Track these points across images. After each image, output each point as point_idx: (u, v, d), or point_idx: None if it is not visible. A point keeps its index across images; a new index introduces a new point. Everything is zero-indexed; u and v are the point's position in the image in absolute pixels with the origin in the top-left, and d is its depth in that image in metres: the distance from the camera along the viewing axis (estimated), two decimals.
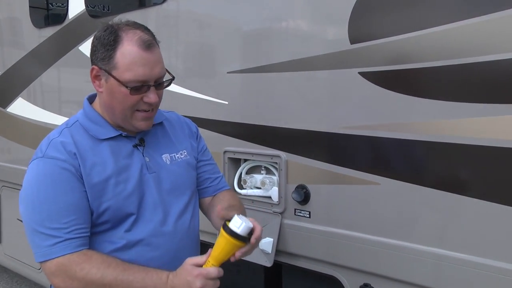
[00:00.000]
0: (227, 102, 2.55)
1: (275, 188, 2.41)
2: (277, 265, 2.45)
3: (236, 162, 2.60)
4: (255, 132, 2.46)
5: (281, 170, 2.36)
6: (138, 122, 1.71)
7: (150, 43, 1.63)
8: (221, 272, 1.58)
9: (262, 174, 2.51)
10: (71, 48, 3.37)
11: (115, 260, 1.62)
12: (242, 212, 1.82)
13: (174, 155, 1.84)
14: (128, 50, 1.60)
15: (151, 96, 1.66)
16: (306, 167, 2.28)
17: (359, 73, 2.06)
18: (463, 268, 1.84)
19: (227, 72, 2.52)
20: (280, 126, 2.36)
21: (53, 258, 1.59)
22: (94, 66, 1.66)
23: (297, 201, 2.30)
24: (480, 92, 1.78)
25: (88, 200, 1.64)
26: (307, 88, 2.26)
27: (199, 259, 1.61)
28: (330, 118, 2.19)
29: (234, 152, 2.55)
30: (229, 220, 1.59)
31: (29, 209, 1.63)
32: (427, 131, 1.90)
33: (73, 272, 1.59)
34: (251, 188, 2.55)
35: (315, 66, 2.21)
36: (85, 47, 3.23)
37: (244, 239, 1.56)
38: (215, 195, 1.98)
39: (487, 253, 1.79)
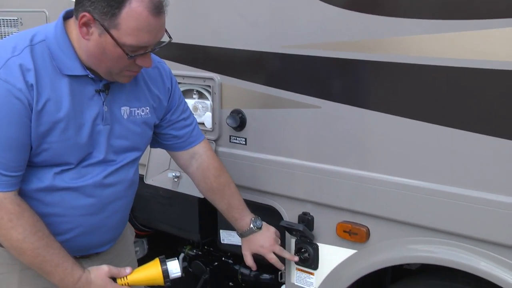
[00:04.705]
0: None
1: (209, 114, 2.39)
2: None
3: None
4: (186, 53, 2.41)
5: (215, 94, 2.34)
6: (122, 78, 1.66)
7: (161, 7, 1.54)
8: None
9: (194, 98, 2.47)
10: None
11: (43, 229, 1.62)
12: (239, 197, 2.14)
13: (134, 110, 1.79)
14: (136, 13, 1.50)
15: (146, 61, 1.62)
16: (242, 90, 2.26)
17: None
18: (401, 193, 1.90)
19: None
20: (214, 46, 2.31)
21: None
22: (86, 14, 1.52)
23: (232, 127, 2.30)
24: (430, 6, 1.76)
25: (31, 137, 1.58)
26: (243, 2, 2.20)
27: (117, 271, 1.72)
28: (268, 36, 2.16)
29: None
30: (167, 258, 1.78)
31: None
32: (373, 50, 1.89)
33: (0, 217, 1.57)
34: None
35: None
36: None
37: (169, 282, 1.77)
38: (190, 152, 2.05)
39: (427, 177, 1.85)
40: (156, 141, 2.03)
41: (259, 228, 2.12)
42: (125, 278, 1.73)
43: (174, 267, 1.76)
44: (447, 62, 1.74)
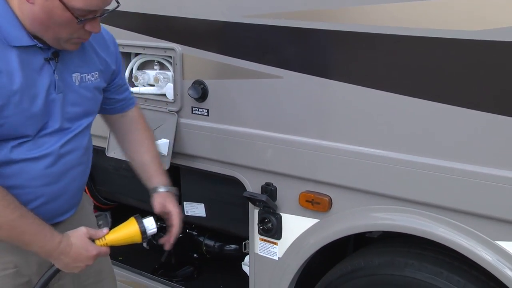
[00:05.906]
0: None
1: (170, 85, 2.37)
2: (174, 167, 2.46)
3: (126, 57, 2.51)
4: (147, 23, 2.37)
5: (176, 64, 2.32)
6: (70, 45, 1.63)
7: None
8: (107, 254, 1.79)
9: (155, 69, 2.45)
10: None
11: (14, 201, 1.60)
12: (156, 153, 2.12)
13: (85, 76, 1.76)
14: None
15: (95, 26, 1.58)
16: (203, 60, 2.25)
17: None
18: (361, 162, 1.93)
19: None
20: (175, 16, 2.28)
21: None
22: None
23: (194, 98, 2.28)
24: None
25: None
26: None
27: (95, 232, 1.73)
28: (229, 6, 2.14)
29: (123, 46, 2.43)
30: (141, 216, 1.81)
31: None
32: (333, 19, 1.90)
33: None
34: (144, 86, 2.49)
35: None
36: None
37: (147, 239, 1.80)
38: (125, 114, 2.03)
39: (387, 146, 1.88)
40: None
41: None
42: (103, 238, 1.74)
43: (150, 223, 1.79)
44: (406, 31, 1.76)
